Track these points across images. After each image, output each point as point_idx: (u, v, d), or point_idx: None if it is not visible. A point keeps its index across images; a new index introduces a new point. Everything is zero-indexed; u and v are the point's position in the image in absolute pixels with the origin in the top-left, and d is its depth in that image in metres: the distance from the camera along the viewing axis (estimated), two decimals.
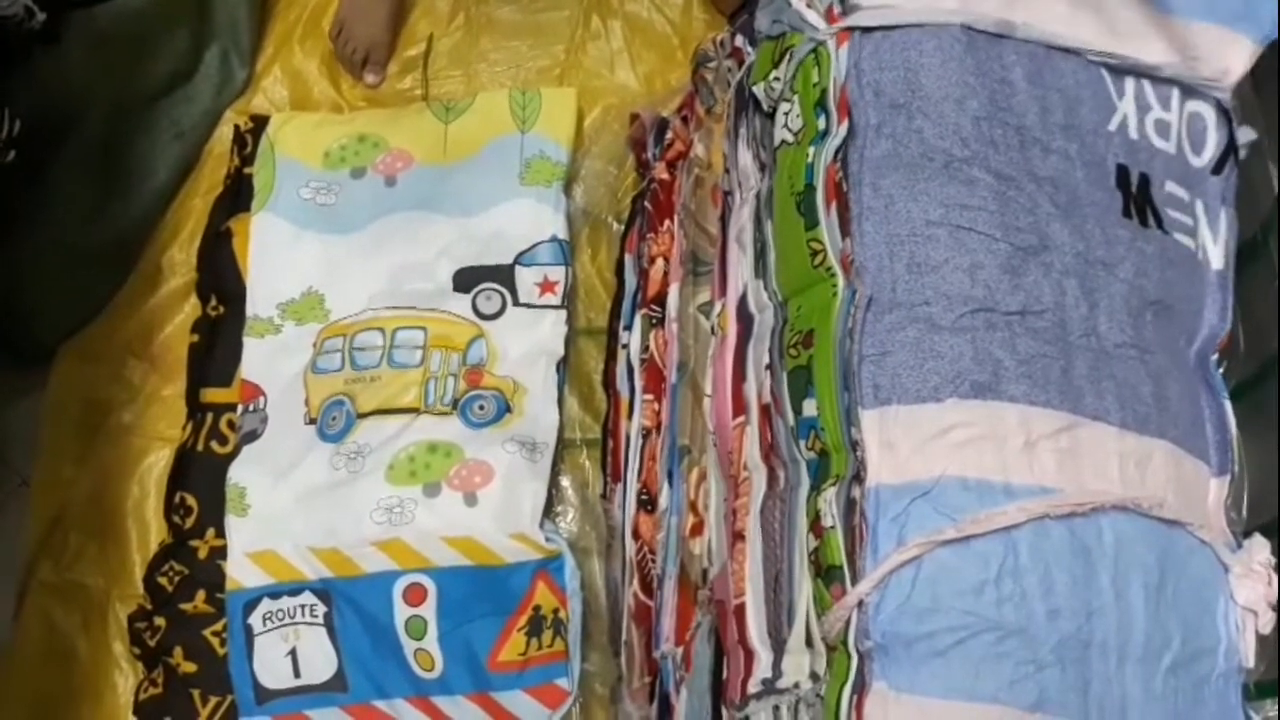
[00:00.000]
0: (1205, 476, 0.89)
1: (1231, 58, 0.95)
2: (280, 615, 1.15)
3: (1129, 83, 0.95)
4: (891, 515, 0.78)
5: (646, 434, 1.14)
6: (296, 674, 1.14)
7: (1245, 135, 0.97)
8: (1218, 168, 0.97)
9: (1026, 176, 0.89)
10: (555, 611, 1.13)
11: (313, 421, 1.22)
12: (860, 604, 0.77)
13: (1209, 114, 0.97)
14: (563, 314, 1.27)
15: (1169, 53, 0.95)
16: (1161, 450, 0.85)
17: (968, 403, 0.81)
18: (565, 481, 1.25)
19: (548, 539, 1.14)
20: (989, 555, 0.77)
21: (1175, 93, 0.96)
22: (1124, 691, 0.79)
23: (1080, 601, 0.78)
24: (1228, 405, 0.93)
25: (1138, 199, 0.92)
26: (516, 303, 1.27)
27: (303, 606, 1.15)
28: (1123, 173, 0.93)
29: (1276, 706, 0.87)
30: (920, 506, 0.78)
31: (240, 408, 1.24)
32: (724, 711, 0.91)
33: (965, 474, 0.79)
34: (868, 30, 0.91)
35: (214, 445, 1.24)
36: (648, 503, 1.12)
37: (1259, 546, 0.86)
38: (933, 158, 0.88)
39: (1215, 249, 0.95)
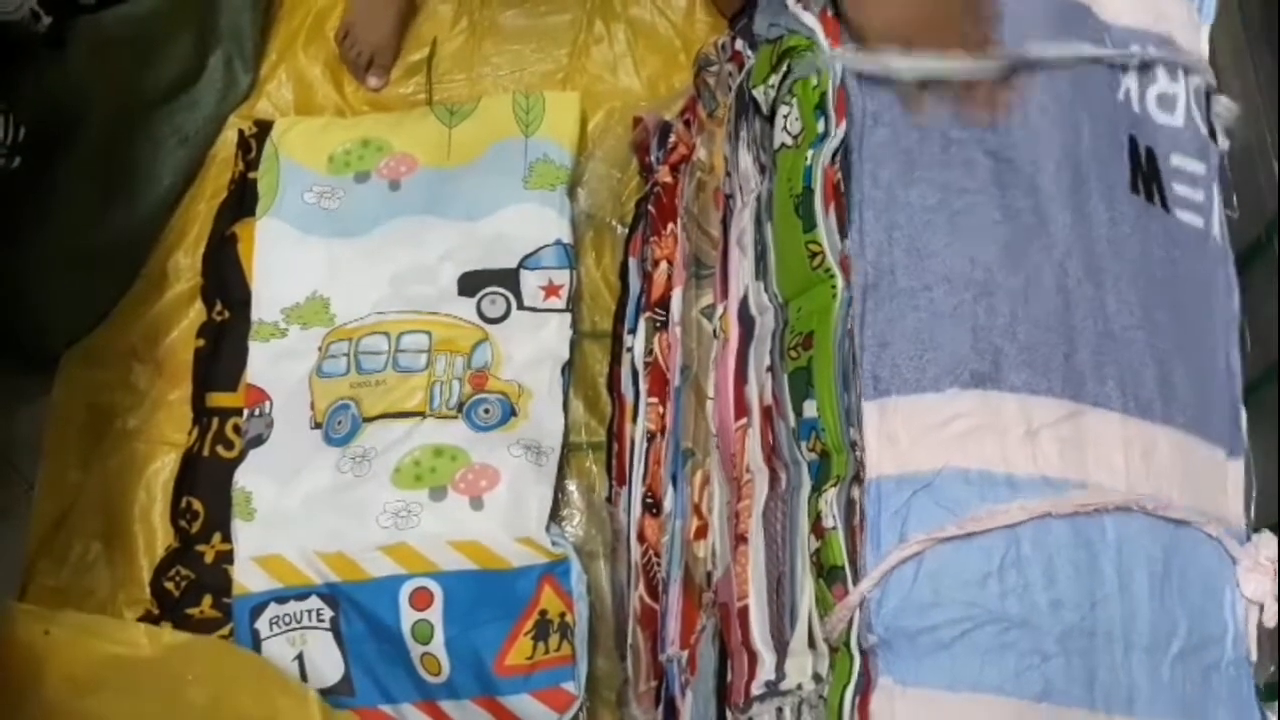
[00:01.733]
0: (1220, 461, 0.88)
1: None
2: (287, 620, 1.15)
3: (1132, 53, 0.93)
4: (893, 509, 0.78)
5: (651, 437, 1.14)
6: (303, 678, 1.13)
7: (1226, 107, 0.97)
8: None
9: (1026, 155, 0.88)
10: (562, 615, 1.13)
11: (318, 425, 1.22)
12: (862, 601, 0.77)
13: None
14: (567, 317, 1.27)
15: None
16: (1167, 437, 0.85)
17: (968, 392, 0.81)
18: (571, 485, 1.25)
19: (554, 543, 1.14)
20: (991, 547, 0.77)
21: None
22: (1131, 680, 0.79)
23: (1084, 591, 0.78)
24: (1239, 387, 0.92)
25: (1146, 172, 0.91)
26: (521, 306, 1.27)
27: (309, 611, 1.15)
28: (1133, 144, 0.91)
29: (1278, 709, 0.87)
30: (922, 500, 0.78)
31: (246, 412, 1.24)
32: (729, 714, 0.90)
33: (967, 465, 0.79)
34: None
35: (220, 450, 1.24)
36: (652, 506, 1.12)
37: (1267, 542, 0.85)
38: (930, 140, 0.87)
39: (1216, 223, 0.94)
